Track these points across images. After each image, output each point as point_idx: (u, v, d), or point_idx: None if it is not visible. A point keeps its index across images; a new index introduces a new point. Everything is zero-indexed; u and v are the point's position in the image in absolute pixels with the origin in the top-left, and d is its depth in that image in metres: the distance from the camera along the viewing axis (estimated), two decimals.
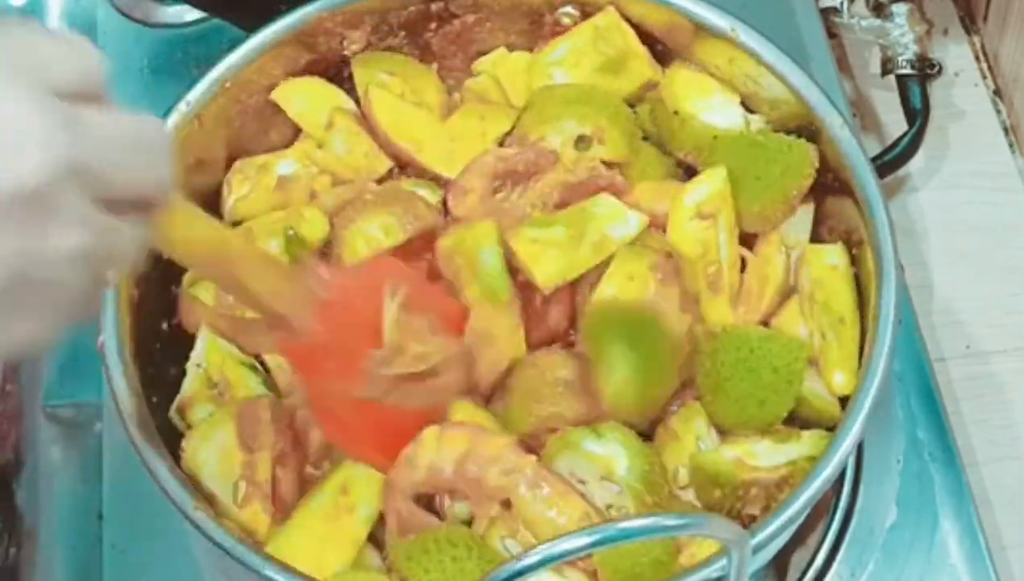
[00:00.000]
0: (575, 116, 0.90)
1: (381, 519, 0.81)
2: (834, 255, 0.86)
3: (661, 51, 0.93)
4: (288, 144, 0.93)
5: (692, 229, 0.87)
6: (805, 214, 0.88)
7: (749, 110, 0.91)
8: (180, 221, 0.66)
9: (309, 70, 0.92)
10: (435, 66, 0.95)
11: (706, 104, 0.91)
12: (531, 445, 0.82)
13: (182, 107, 0.87)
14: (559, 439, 0.81)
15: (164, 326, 0.87)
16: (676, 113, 0.91)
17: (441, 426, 0.81)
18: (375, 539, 0.82)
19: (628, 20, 0.92)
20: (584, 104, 0.91)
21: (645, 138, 0.92)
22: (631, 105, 0.92)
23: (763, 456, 0.81)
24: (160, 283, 0.87)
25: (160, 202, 0.61)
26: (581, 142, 0.90)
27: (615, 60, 0.92)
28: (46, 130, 0.54)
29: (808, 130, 0.87)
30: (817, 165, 0.86)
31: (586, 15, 0.92)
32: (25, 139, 0.54)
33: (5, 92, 0.54)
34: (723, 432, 0.83)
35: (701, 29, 0.90)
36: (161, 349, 0.86)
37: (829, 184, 0.86)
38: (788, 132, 0.88)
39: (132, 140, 0.58)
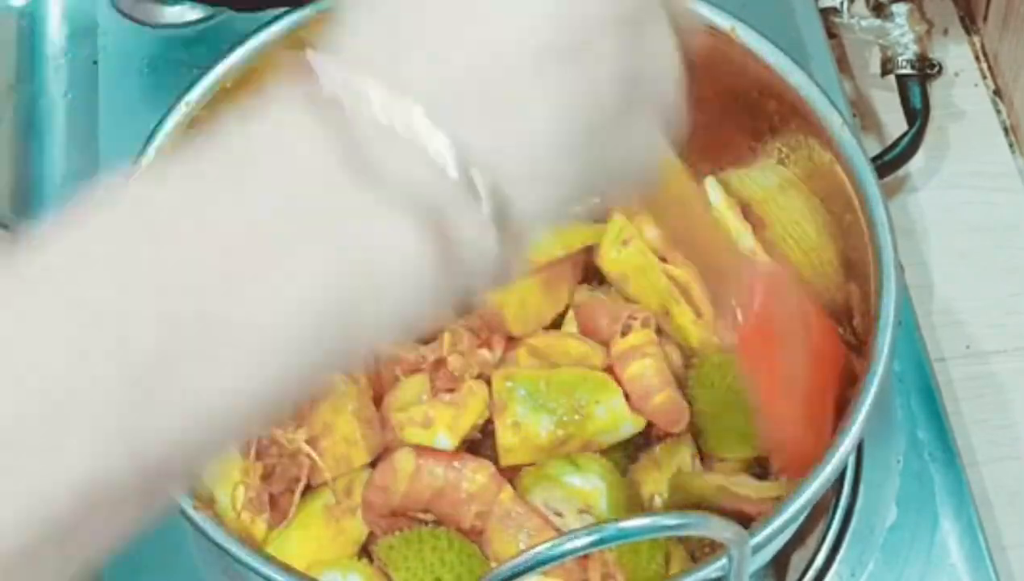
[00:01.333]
0: None
1: None
2: None
3: None
4: None
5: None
6: None
7: None
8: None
9: None
10: None
11: None
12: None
13: (182, 107, 0.87)
14: (537, 471, 0.81)
15: None
16: None
17: (417, 453, 0.81)
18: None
19: None
20: None
21: None
22: None
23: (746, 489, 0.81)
24: None
25: None
26: None
27: None
28: None
29: None
30: None
31: None
32: None
33: None
34: (705, 464, 0.84)
35: None
36: None
37: (828, 184, 0.87)
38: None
39: None
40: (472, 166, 0.48)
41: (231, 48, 0.89)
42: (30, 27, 1.12)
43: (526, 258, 0.52)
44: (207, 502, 0.78)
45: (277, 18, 0.89)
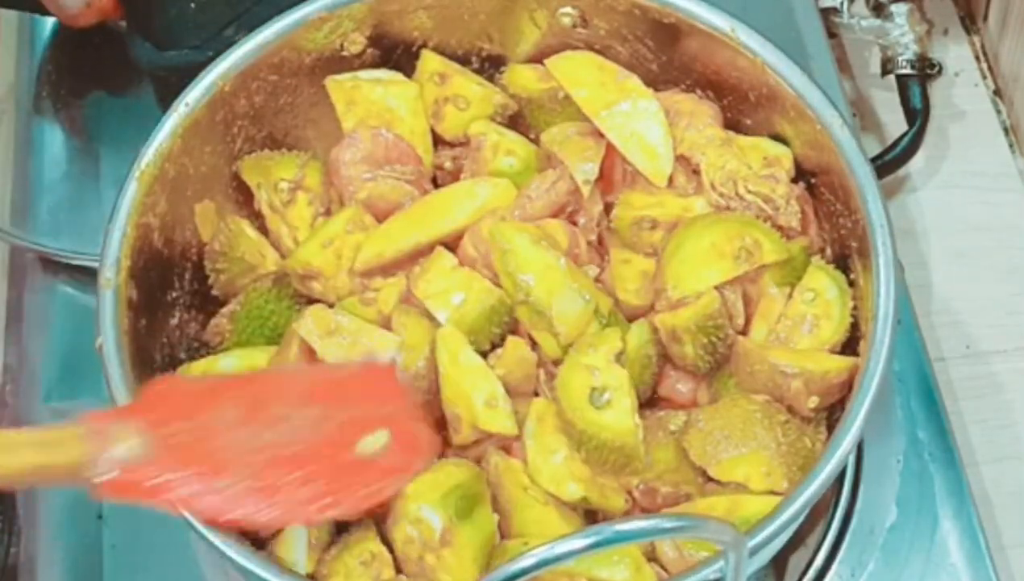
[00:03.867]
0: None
1: None
2: None
3: None
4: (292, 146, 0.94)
5: None
6: None
7: None
8: None
9: (310, 70, 0.92)
10: None
11: None
12: None
13: (182, 107, 0.87)
14: None
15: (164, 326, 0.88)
16: None
17: None
18: None
19: None
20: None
21: None
22: None
23: None
24: (160, 283, 0.87)
25: None
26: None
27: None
28: None
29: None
30: None
31: (584, 15, 0.92)
32: None
33: None
34: None
35: None
36: (161, 349, 0.86)
37: (828, 184, 0.87)
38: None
39: None
40: None
41: (229, 50, 0.89)
42: (30, 28, 1.12)
43: None
44: None
45: (273, 22, 0.90)
